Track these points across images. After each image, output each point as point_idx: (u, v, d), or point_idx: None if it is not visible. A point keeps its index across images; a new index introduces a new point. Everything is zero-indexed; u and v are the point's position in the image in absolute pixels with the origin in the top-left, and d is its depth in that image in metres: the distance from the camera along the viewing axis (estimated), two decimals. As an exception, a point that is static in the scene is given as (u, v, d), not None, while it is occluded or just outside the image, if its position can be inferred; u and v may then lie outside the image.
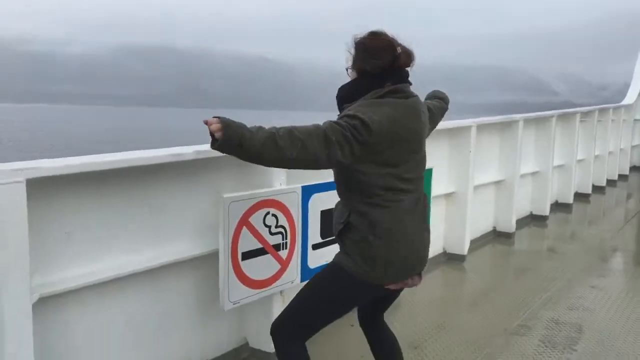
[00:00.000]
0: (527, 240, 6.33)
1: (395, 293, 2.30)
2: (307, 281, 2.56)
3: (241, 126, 1.91)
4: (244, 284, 2.79)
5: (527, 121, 6.69)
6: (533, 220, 7.09)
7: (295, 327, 2.22)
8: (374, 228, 2.06)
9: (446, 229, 5.28)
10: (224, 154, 2.03)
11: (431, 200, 4.48)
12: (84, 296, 2.30)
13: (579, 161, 8.51)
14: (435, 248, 5.17)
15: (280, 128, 1.92)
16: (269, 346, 3.06)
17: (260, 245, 2.85)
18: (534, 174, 7.11)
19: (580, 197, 8.56)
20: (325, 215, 3.23)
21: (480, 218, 5.83)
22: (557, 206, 7.85)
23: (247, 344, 3.15)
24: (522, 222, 6.69)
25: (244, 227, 2.76)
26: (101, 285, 2.34)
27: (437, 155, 5.00)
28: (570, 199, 8.00)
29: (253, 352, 3.12)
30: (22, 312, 1.95)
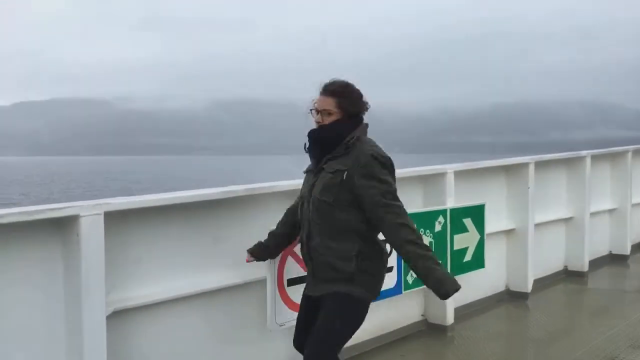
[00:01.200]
0: (603, 280, 6.07)
1: None
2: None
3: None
4: (290, 308, 3.10)
5: (599, 157, 6.54)
6: (613, 260, 6.77)
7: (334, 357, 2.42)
8: (382, 254, 2.42)
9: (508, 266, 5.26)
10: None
11: (486, 236, 4.58)
12: (151, 312, 2.72)
13: None
14: (498, 284, 5.18)
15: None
16: None
17: (304, 273, 3.16)
18: (611, 211, 6.85)
19: None
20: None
21: (548, 256, 5.73)
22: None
23: None
24: (598, 262, 6.43)
25: (289, 257, 3.09)
26: (165, 303, 2.76)
27: (495, 191, 5.09)
28: None
29: None
30: (98, 322, 2.39)
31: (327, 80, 2.44)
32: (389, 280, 3.68)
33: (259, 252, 2.75)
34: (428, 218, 4.06)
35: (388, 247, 2.50)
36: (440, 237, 4.11)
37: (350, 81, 2.48)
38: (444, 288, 2.26)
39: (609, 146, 7.29)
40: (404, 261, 2.43)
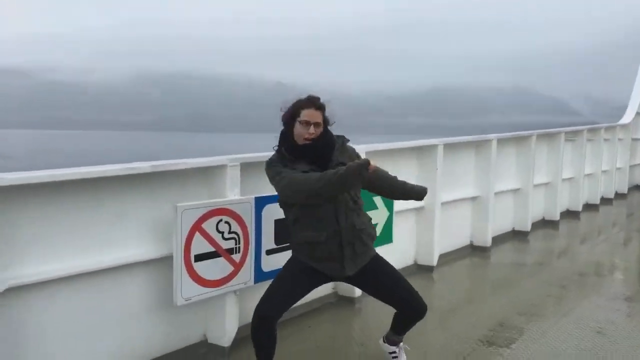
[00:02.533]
0: (503, 255, 6.56)
1: None
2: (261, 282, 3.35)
3: None
4: (197, 283, 3.15)
5: (506, 140, 6.99)
6: (515, 236, 7.32)
7: None
8: None
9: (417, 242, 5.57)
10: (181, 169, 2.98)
11: (396, 213, 4.82)
12: (49, 289, 2.68)
13: (568, 179, 8.73)
14: (407, 259, 5.48)
15: None
16: (224, 341, 3.41)
17: (213, 249, 3.22)
18: (515, 191, 7.37)
19: (570, 214, 8.76)
20: (279, 223, 3.59)
21: (455, 232, 6.11)
22: (544, 223, 8.07)
23: (206, 340, 3.48)
24: (501, 238, 6.93)
25: (197, 233, 3.13)
26: (66, 279, 2.72)
27: (405, 171, 5.34)
28: (556, 217, 8.22)
29: (210, 347, 3.45)
30: None
31: (305, 96, 2.91)
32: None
33: None
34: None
35: None
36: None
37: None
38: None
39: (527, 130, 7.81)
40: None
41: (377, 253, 3.04)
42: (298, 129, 2.84)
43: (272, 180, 2.84)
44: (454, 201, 6.02)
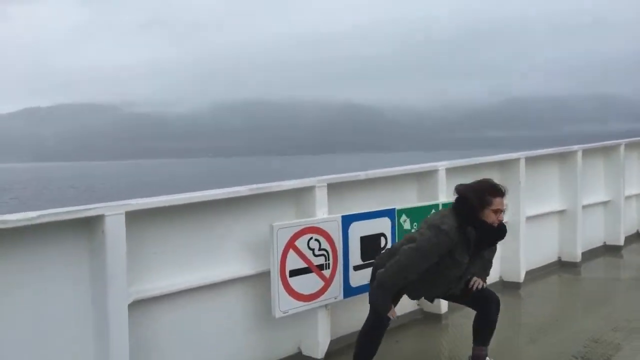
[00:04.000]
0: (594, 270, 6.29)
1: None
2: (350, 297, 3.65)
3: None
4: (292, 297, 3.40)
5: (591, 151, 6.75)
6: (607, 250, 6.99)
7: None
8: None
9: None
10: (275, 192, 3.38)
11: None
12: (166, 301, 3.03)
13: None
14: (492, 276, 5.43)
15: None
16: (317, 353, 3.62)
17: (305, 265, 3.46)
18: (605, 203, 7.07)
19: None
20: (365, 240, 3.79)
21: (542, 248, 5.97)
22: (638, 237, 7.63)
23: (300, 352, 3.71)
24: (592, 253, 6.65)
25: (291, 250, 3.39)
26: (179, 293, 3.07)
27: None
28: None
29: (304, 359, 3.67)
30: (121, 309, 2.70)
31: (499, 184, 3.21)
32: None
33: None
34: (421, 212, 4.32)
35: None
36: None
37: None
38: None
39: (619, 139, 7.48)
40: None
41: None
42: (490, 216, 3.08)
43: (411, 252, 3.03)
44: (539, 215, 5.90)
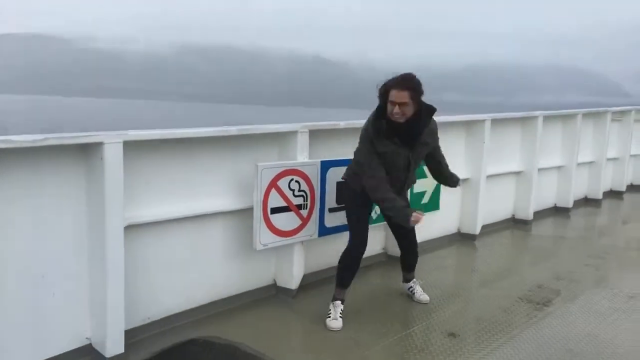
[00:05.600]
0: (543, 228, 6.79)
1: None
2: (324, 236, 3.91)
3: None
4: (272, 232, 3.64)
5: (552, 118, 7.14)
6: (557, 212, 7.53)
7: None
8: None
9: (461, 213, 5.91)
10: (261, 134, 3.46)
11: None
12: (156, 228, 3.22)
13: (612, 159, 8.77)
14: (451, 227, 5.84)
15: None
16: (291, 284, 3.92)
17: (285, 204, 3.70)
18: (559, 168, 7.54)
19: (614, 194, 8.83)
20: (340, 185, 4.04)
21: (498, 205, 6.40)
22: (586, 201, 8.21)
23: (275, 283, 4.00)
24: (543, 213, 7.17)
25: (273, 189, 3.61)
26: (168, 221, 3.26)
27: (453, 145, 5.65)
28: (599, 195, 8.34)
29: (279, 289, 3.98)
30: (117, 232, 2.88)
31: (392, 76, 3.19)
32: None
33: None
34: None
35: None
36: (402, 181, 4.67)
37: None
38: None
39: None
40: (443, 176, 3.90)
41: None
42: (388, 107, 3.19)
43: (359, 152, 3.40)
44: (499, 175, 6.29)
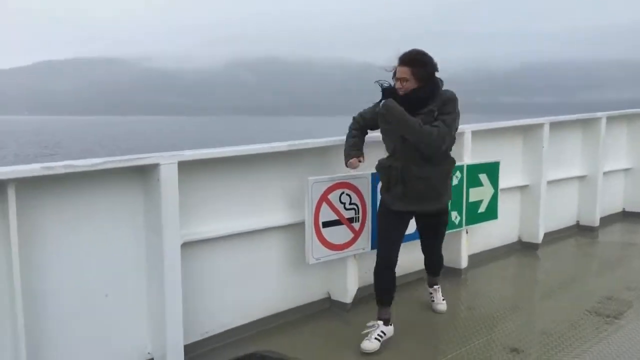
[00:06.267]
0: (611, 235, 6.39)
1: None
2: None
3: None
4: (324, 246, 3.63)
5: (615, 118, 6.77)
6: (625, 217, 7.09)
7: None
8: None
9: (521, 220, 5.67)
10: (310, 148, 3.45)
11: (501, 191, 5.00)
12: (210, 245, 3.27)
13: None
14: (511, 235, 5.62)
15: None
16: (346, 298, 3.88)
17: (336, 217, 3.67)
18: (626, 170, 7.12)
19: None
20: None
21: (561, 212, 6.09)
22: None
23: (329, 296, 3.97)
24: (610, 219, 6.75)
25: (324, 203, 3.59)
26: (222, 238, 3.31)
27: (510, 150, 5.46)
28: None
29: (334, 303, 3.94)
30: (174, 250, 2.95)
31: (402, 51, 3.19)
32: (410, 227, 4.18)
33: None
34: (446, 172, 4.49)
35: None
36: (456, 190, 4.54)
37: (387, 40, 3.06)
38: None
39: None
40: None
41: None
42: (397, 84, 3.21)
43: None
44: (560, 180, 6.02)
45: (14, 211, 2.42)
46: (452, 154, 4.71)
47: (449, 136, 3.23)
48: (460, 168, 4.61)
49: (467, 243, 4.80)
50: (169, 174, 2.85)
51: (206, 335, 3.30)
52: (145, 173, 2.92)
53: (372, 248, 3.91)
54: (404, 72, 3.16)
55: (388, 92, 3.24)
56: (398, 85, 3.19)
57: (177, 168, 2.89)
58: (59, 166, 2.52)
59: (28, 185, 2.54)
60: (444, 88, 3.27)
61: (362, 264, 3.98)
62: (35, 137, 65.16)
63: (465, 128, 4.76)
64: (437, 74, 3.25)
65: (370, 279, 4.10)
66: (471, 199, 4.71)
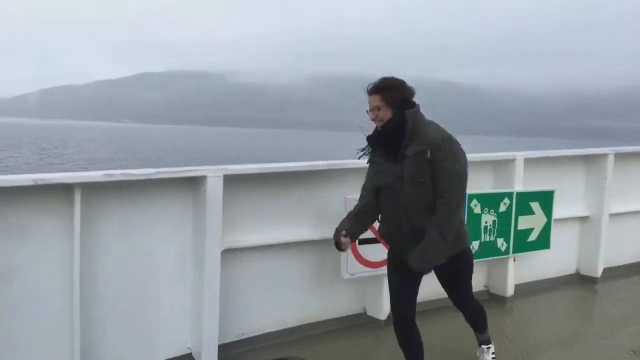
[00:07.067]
0: None
1: None
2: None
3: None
4: (359, 262, 3.78)
5: None
6: None
7: None
8: None
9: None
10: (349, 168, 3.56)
11: (558, 221, 4.88)
12: (250, 253, 3.54)
13: None
14: (568, 267, 5.42)
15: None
16: (380, 314, 3.99)
17: (372, 235, 3.80)
18: None
19: None
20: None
21: (624, 246, 5.77)
22: None
23: (365, 312, 4.10)
24: None
25: (362, 220, 3.74)
26: (261, 247, 3.57)
27: (570, 180, 5.30)
28: None
29: (369, 319, 4.06)
30: (215, 255, 3.24)
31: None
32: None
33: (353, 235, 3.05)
34: (493, 199, 4.49)
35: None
36: (503, 217, 4.52)
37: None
38: (421, 257, 2.70)
39: None
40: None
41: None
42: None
43: None
44: (625, 214, 5.73)
45: (78, 211, 2.81)
46: (501, 180, 4.75)
47: (461, 190, 2.78)
48: (510, 195, 4.58)
49: (514, 271, 4.73)
50: (214, 186, 3.15)
51: (241, 337, 3.56)
52: (194, 184, 3.24)
53: (410, 268, 4.00)
54: (374, 99, 2.79)
55: (371, 138, 2.87)
56: (372, 117, 2.81)
57: (223, 180, 3.18)
58: (118, 174, 2.90)
59: (92, 189, 2.92)
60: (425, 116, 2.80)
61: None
62: (124, 143, 70.48)
63: (517, 155, 4.72)
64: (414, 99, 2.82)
65: None
66: (520, 227, 4.64)
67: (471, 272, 3.13)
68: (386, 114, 2.78)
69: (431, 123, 2.80)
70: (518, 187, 4.66)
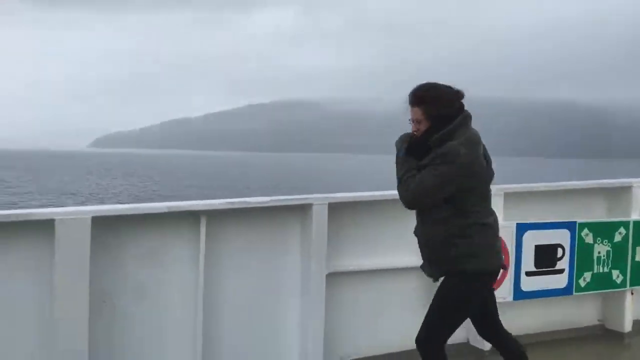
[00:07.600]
0: None
1: None
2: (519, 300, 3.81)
3: None
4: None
5: None
6: None
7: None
8: None
9: None
10: None
11: None
12: (355, 276, 3.71)
13: None
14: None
15: None
16: (483, 345, 3.93)
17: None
18: None
19: None
20: (540, 249, 3.98)
21: None
22: None
23: (468, 341, 4.06)
24: None
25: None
26: (365, 272, 3.73)
27: (586, 214, 4.65)
28: None
29: (472, 349, 4.02)
30: (320, 278, 3.45)
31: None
32: (559, 280, 4.08)
33: None
34: (607, 227, 4.28)
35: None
36: (619, 248, 4.28)
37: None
38: None
39: None
40: None
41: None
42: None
43: None
44: None
45: (203, 235, 3.18)
46: (616, 208, 4.45)
47: (424, 194, 2.76)
48: (626, 224, 4.34)
49: (632, 305, 4.42)
50: (320, 213, 3.39)
51: (345, 359, 3.70)
52: (302, 211, 3.51)
53: (515, 298, 3.95)
54: (416, 112, 2.72)
55: (410, 142, 2.81)
56: (413, 128, 2.77)
57: (327, 208, 3.41)
58: (237, 202, 3.24)
59: (215, 216, 3.28)
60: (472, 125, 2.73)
61: (504, 312, 3.98)
62: (234, 170, 74.74)
63: (634, 182, 4.47)
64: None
65: (513, 329, 4.07)
66: (638, 258, 4.36)
67: (448, 302, 2.96)
68: (423, 126, 2.74)
69: (464, 133, 2.66)
70: (635, 215, 4.39)
